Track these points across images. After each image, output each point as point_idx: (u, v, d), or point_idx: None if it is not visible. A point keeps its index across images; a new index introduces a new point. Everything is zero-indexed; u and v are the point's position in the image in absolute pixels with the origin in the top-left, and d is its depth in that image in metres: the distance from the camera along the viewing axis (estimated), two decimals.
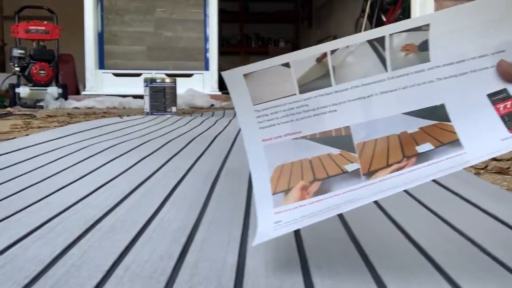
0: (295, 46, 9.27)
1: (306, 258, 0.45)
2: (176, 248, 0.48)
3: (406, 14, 4.22)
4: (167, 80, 2.45)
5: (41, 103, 3.96)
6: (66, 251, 0.47)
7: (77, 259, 0.45)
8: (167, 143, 1.28)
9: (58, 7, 4.88)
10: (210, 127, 1.76)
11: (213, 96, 3.76)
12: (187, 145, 1.24)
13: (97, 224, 0.56)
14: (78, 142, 1.27)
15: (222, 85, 7.63)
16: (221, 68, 9.25)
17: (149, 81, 2.42)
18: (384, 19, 4.77)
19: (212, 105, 3.54)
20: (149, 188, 0.74)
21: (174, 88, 2.47)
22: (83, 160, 0.99)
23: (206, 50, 4.17)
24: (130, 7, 4.18)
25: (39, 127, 1.93)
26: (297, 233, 0.52)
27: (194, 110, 3.03)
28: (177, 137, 1.41)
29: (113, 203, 0.64)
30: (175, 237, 0.52)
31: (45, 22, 4.37)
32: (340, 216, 0.57)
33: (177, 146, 1.22)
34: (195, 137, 1.42)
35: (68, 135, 1.39)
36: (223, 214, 0.60)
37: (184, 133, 1.55)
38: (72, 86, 5.20)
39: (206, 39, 4.18)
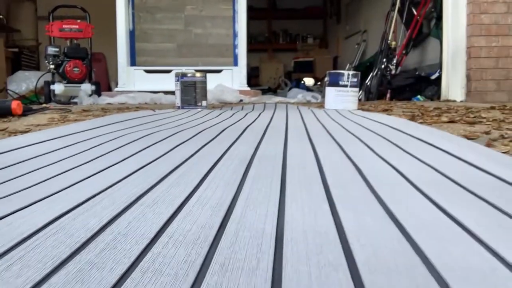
0: (323, 41, 9.22)
1: (343, 229, 0.47)
2: (216, 219, 0.50)
3: (437, 7, 4.14)
4: (198, 74, 2.48)
5: (75, 100, 4.07)
6: (112, 221, 0.50)
7: (123, 228, 0.48)
8: (200, 132, 1.30)
9: (90, 6, 5.00)
10: (240, 119, 1.78)
11: (242, 92, 3.79)
12: (219, 133, 1.27)
13: (139, 199, 0.58)
14: (116, 131, 1.30)
15: (250, 81, 7.64)
16: (249, 65, 9.26)
17: (180, 76, 2.46)
18: (415, 12, 4.69)
19: (241, 100, 3.56)
20: (186, 170, 0.76)
21: (204, 83, 2.51)
22: (123, 145, 1.03)
23: (234, 46, 4.19)
24: (161, 5, 4.24)
25: (76, 120, 1.98)
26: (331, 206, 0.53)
27: (223, 105, 3.06)
28: (209, 127, 1.44)
29: (153, 182, 0.67)
30: (214, 211, 0.53)
31: (78, 21, 4.48)
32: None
33: (210, 135, 1.24)
34: (227, 127, 1.44)
35: (106, 125, 1.43)
36: (259, 193, 0.62)
37: (216, 124, 1.57)
38: (104, 84, 5.32)
39: (235, 35, 4.21)
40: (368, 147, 1.01)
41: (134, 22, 4.20)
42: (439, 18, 3.93)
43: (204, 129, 1.39)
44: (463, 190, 0.62)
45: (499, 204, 0.54)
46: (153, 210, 0.54)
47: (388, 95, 4.22)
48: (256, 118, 1.79)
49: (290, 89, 5.49)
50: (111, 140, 1.09)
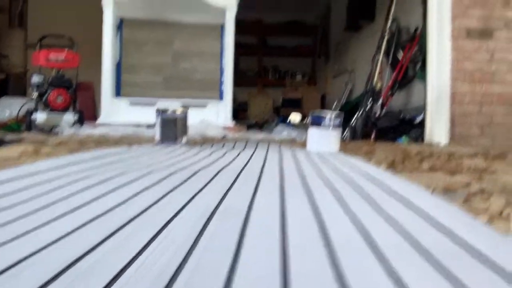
0: (312, 79, 9.32)
1: None
2: None
3: (423, 51, 4.19)
4: (179, 111, 2.45)
5: (57, 129, 4.00)
6: None
7: None
8: (170, 174, 1.25)
9: (82, 36, 5.01)
10: (217, 159, 1.73)
11: (226, 127, 3.76)
12: (189, 177, 1.21)
13: (73, 265, 0.52)
14: (81, 171, 1.25)
15: (235, 115, 7.63)
16: (238, 99, 9.27)
17: (161, 112, 2.42)
18: (401, 55, 4.76)
19: (225, 136, 3.52)
20: (138, 226, 0.71)
21: (185, 119, 2.47)
22: (80, 190, 0.97)
23: (221, 82, 4.19)
24: (149, 38, 4.25)
25: (48, 154, 1.92)
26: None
27: (205, 141, 3.02)
28: (182, 169, 1.38)
29: (95, 242, 0.61)
30: (154, 283, 0.48)
31: (65, 50, 4.46)
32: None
33: (180, 178, 1.19)
34: (200, 169, 1.39)
35: (73, 164, 1.37)
36: (211, 258, 0.56)
37: (190, 164, 1.52)
38: (91, 113, 5.26)
39: (221, 71, 4.21)
40: (341, 202, 0.96)
41: (122, 54, 4.19)
42: (425, 62, 3.98)
43: (176, 171, 1.33)
44: (431, 262, 0.57)
45: (464, 280, 0.49)
46: (85, 282, 0.48)
47: (373, 136, 4.22)
48: (233, 159, 1.74)
49: (276, 125, 5.49)
50: (69, 183, 1.03)
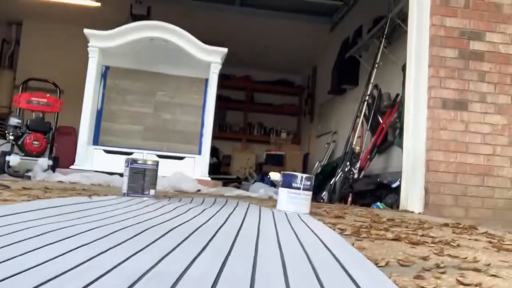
0: (296, 137, 9.41)
1: None
2: None
3: (401, 118, 4.27)
4: (149, 162, 2.41)
5: (29, 173, 3.92)
6: None
7: None
8: (115, 231, 1.20)
9: (70, 82, 5.05)
10: (177, 215, 1.68)
11: (202, 181, 3.71)
12: (134, 236, 1.16)
13: None
14: (25, 221, 1.19)
15: (218, 169, 7.57)
16: (222, 152, 9.25)
17: (130, 162, 2.38)
18: (381, 120, 4.84)
19: (199, 190, 3.48)
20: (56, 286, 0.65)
21: (155, 171, 2.43)
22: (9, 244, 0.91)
23: (201, 135, 4.19)
24: (133, 88, 4.29)
25: (5, 200, 1.85)
26: None
27: (177, 194, 2.97)
28: (133, 225, 1.33)
29: None
30: None
31: (47, 95, 4.46)
32: None
33: (123, 236, 1.13)
34: (152, 227, 1.34)
35: (17, 213, 1.31)
36: None
37: (145, 220, 1.47)
38: (71, 159, 5.20)
39: (202, 124, 4.22)
40: (285, 274, 0.91)
41: (104, 102, 4.20)
42: (402, 129, 4.04)
43: (124, 228, 1.28)
44: None
45: None
46: None
47: (349, 199, 4.20)
48: (193, 217, 1.70)
49: (254, 182, 5.46)
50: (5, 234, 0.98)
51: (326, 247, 1.20)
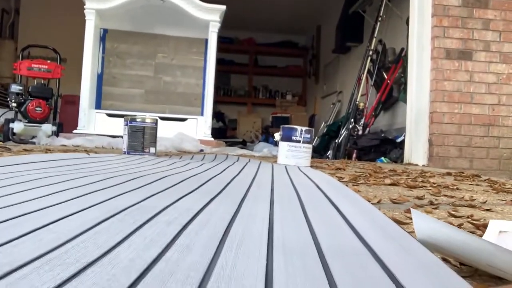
0: (302, 99, 9.33)
1: None
2: None
3: (406, 73, 4.20)
4: (148, 120, 2.40)
5: (34, 140, 3.94)
6: None
7: None
8: (104, 179, 1.20)
9: (72, 50, 5.00)
10: (175, 168, 1.68)
11: (204, 142, 3.71)
12: (126, 181, 1.16)
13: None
14: (21, 171, 1.19)
15: (224, 133, 7.55)
16: (227, 117, 9.22)
17: (129, 120, 2.38)
18: (386, 76, 4.76)
19: (202, 150, 3.48)
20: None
21: (154, 129, 2.42)
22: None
23: (203, 96, 4.16)
24: (132, 51, 4.24)
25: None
26: None
27: (179, 154, 2.97)
28: (124, 174, 1.33)
29: None
30: None
31: (48, 61, 4.44)
32: None
33: (113, 182, 1.13)
34: (144, 175, 1.34)
35: (15, 164, 1.32)
36: None
37: (139, 171, 1.47)
38: (75, 126, 5.22)
39: (204, 86, 4.19)
40: (271, 204, 0.91)
41: (104, 66, 4.16)
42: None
43: (118, 176, 1.28)
44: (314, 262, 0.52)
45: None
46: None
47: (354, 155, 4.18)
48: (190, 169, 1.69)
49: (258, 142, 5.45)
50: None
51: (317, 186, 1.19)
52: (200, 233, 0.64)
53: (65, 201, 0.82)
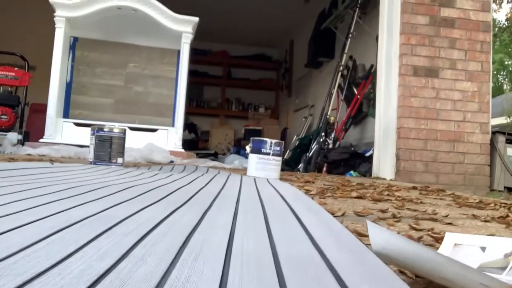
0: (275, 112, 9.39)
1: None
2: None
3: (375, 89, 4.29)
4: (116, 129, 2.37)
5: None
6: None
7: None
8: (64, 189, 1.17)
9: (38, 57, 4.89)
10: (142, 178, 1.66)
11: (175, 153, 3.68)
12: (87, 192, 1.14)
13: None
14: None
15: (196, 145, 7.49)
16: (200, 129, 9.16)
17: (96, 130, 2.34)
18: (356, 92, 4.84)
19: (172, 161, 3.44)
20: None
21: (122, 139, 2.38)
22: None
23: (174, 107, 4.13)
24: (102, 60, 4.18)
25: None
26: None
27: (148, 165, 2.93)
28: (87, 185, 1.31)
29: None
30: None
31: (15, 69, 4.35)
32: None
33: (73, 192, 1.11)
34: (107, 186, 1.31)
35: None
36: None
37: (102, 182, 1.44)
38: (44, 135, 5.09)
39: (176, 96, 4.16)
40: (235, 215, 0.91)
41: (73, 75, 4.09)
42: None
43: (80, 186, 1.25)
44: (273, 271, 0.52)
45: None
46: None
47: (324, 169, 4.22)
48: (157, 180, 1.67)
49: (230, 154, 5.44)
50: None
51: (283, 198, 1.20)
52: (157, 244, 0.63)
53: (21, 211, 0.79)
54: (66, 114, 3.99)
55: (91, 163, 2.33)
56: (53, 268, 0.49)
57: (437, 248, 0.80)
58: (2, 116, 4.00)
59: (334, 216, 1.11)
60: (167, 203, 1.06)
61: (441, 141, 3.41)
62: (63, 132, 3.78)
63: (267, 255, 0.61)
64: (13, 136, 3.94)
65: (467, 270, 0.46)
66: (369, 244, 0.71)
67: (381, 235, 0.55)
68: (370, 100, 4.67)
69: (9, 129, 4.04)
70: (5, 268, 0.47)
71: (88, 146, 3.42)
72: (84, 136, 3.79)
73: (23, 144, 3.77)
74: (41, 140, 3.69)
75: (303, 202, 1.16)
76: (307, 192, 1.73)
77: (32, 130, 4.53)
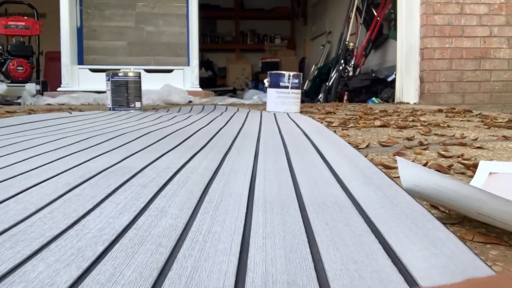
0: (291, 42, 9.13)
1: None
2: None
3: (396, 9, 4.07)
4: (130, 73, 2.33)
5: (19, 100, 3.86)
6: None
7: None
8: (83, 139, 1.16)
9: (47, 4, 4.79)
10: (161, 122, 1.64)
11: (192, 92, 3.64)
12: (106, 140, 1.12)
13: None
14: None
15: (214, 82, 7.44)
16: (216, 65, 9.06)
17: (111, 75, 2.30)
18: (375, 13, 4.62)
19: (190, 101, 3.41)
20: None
21: (138, 82, 2.35)
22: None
23: (188, 45, 4.04)
24: (110, 1, 4.06)
25: None
26: None
27: (167, 107, 2.91)
28: (106, 133, 1.29)
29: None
30: None
31: (25, 18, 4.28)
32: None
33: (92, 142, 1.09)
34: (127, 132, 1.30)
35: None
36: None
37: (122, 128, 1.42)
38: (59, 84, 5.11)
39: (188, 34, 4.05)
40: (256, 156, 0.88)
41: (82, 19, 4.01)
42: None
43: (98, 135, 1.24)
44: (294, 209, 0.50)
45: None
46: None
47: (345, 97, 4.13)
48: (176, 122, 1.65)
49: (248, 90, 5.38)
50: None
51: (305, 134, 1.16)
52: (177, 194, 0.61)
53: (38, 167, 0.78)
54: (80, 61, 3.95)
55: (109, 109, 2.32)
56: (70, 228, 0.47)
57: (470, 176, 0.76)
58: (18, 68, 3.98)
59: (358, 149, 1.08)
60: (186, 147, 1.04)
61: (466, 59, 3.26)
62: (79, 79, 3.76)
63: (291, 199, 0.58)
64: (32, 87, 3.95)
65: (509, 205, 0.42)
66: (397, 177, 0.67)
67: (412, 172, 0.52)
68: (391, 21, 4.45)
69: (26, 80, 4.04)
70: (21, 233, 0.46)
71: (105, 92, 3.42)
72: (101, 81, 3.77)
73: (42, 94, 3.78)
74: (59, 89, 3.69)
75: (326, 137, 1.12)
76: (329, 124, 1.69)
77: (50, 79, 4.53)
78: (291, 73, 2.33)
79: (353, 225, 0.48)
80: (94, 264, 0.38)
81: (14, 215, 0.51)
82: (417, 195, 0.53)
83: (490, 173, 0.63)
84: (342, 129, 1.54)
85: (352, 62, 4.38)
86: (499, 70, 3.29)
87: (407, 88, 3.37)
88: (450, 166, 0.85)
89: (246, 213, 0.53)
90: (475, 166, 0.79)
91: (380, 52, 4.86)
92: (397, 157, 0.55)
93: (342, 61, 4.39)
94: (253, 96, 4.16)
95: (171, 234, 0.46)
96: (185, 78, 3.83)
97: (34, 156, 0.88)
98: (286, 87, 2.31)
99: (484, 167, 0.64)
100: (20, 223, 0.49)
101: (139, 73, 2.37)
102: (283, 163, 0.82)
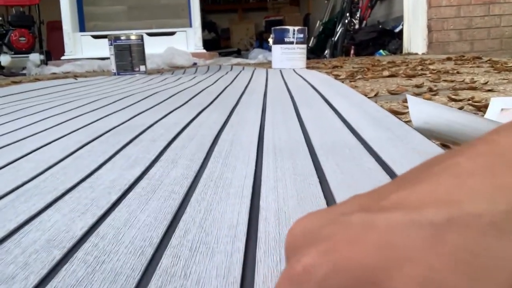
0: (295, 1, 8.91)
1: None
2: None
3: None
4: (133, 37, 2.30)
5: (24, 71, 3.85)
6: None
7: None
8: (91, 102, 1.16)
9: None
10: (166, 83, 1.63)
11: (196, 54, 3.59)
12: (113, 102, 1.12)
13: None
14: (5, 103, 1.15)
15: (218, 44, 7.33)
16: (219, 26, 8.89)
17: (113, 39, 2.28)
18: None
19: (195, 63, 3.38)
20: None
21: (141, 46, 2.32)
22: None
23: (189, 5, 3.96)
24: None
25: None
26: None
27: (171, 70, 2.89)
28: (113, 95, 1.29)
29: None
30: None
31: None
32: None
33: (100, 103, 1.09)
34: (133, 94, 1.29)
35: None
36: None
37: (128, 91, 1.42)
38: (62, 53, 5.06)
39: None
40: (264, 109, 0.87)
41: None
42: None
43: (106, 97, 1.24)
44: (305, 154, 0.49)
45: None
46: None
47: (352, 51, 4.06)
48: (182, 83, 1.64)
49: (253, 49, 5.30)
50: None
51: (312, 86, 1.15)
52: (187, 146, 0.61)
53: (48, 129, 0.78)
54: (82, 28, 3.91)
55: (114, 74, 2.31)
56: (83, 181, 0.47)
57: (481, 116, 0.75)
58: (21, 38, 3.95)
59: (367, 98, 1.06)
60: (193, 105, 1.03)
61: (475, 5, 3.17)
62: (82, 46, 3.73)
63: (301, 145, 0.58)
64: (36, 57, 3.93)
65: None
66: (409, 121, 0.67)
67: (422, 109, 0.51)
68: None
69: (29, 50, 4.01)
70: (34, 188, 0.46)
71: (109, 58, 3.39)
72: (104, 48, 3.74)
73: (46, 64, 3.77)
74: (63, 57, 3.66)
75: (333, 87, 1.11)
76: (336, 77, 1.67)
77: (54, 48, 4.49)
78: (296, 28, 2.29)
79: (364, 164, 0.48)
80: (109, 212, 0.39)
81: (27, 172, 0.52)
82: (428, 133, 0.52)
83: (502, 109, 0.62)
84: (350, 81, 1.52)
85: (358, 15, 4.28)
86: (509, 15, 3.20)
87: (414, 39, 3.30)
88: (460, 109, 0.84)
89: (257, 159, 0.53)
90: (486, 107, 0.78)
91: (386, 3, 4.74)
92: (407, 95, 0.54)
93: (348, 14, 4.29)
94: (258, 55, 4.11)
95: (182, 182, 0.46)
96: (188, 40, 3.78)
97: (42, 120, 0.88)
98: (291, 43, 2.27)
99: (496, 103, 0.63)
100: (33, 180, 0.49)
101: (142, 36, 2.34)
102: (291, 113, 0.81)
